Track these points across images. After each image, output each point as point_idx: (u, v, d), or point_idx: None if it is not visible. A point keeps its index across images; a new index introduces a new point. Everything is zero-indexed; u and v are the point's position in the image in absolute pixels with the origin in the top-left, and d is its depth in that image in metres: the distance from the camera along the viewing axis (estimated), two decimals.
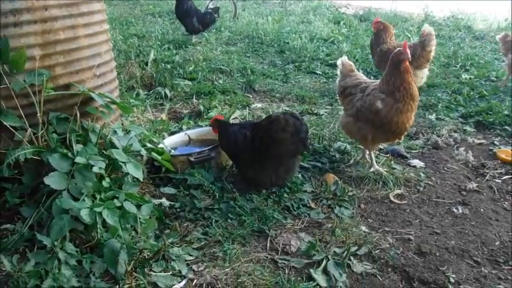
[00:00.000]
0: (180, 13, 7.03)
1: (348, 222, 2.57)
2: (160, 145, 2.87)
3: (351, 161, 3.33)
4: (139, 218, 2.17)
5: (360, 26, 8.76)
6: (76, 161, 2.12)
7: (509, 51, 4.96)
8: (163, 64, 5.37)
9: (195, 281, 2.05)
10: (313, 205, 2.75)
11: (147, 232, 2.24)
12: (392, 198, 2.88)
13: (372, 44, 5.25)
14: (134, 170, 2.27)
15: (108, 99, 2.49)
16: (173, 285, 2.01)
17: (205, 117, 4.05)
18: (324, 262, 2.19)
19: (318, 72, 5.86)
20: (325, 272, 2.14)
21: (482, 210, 2.78)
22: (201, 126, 3.71)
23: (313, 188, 2.91)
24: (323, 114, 4.35)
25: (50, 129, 2.28)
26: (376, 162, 3.19)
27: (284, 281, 2.06)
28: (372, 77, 4.92)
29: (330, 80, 5.56)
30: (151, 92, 4.63)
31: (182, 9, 6.96)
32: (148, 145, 2.73)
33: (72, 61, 2.41)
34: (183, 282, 2.04)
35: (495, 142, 3.77)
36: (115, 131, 2.49)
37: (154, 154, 2.60)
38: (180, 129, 3.68)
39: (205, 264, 2.17)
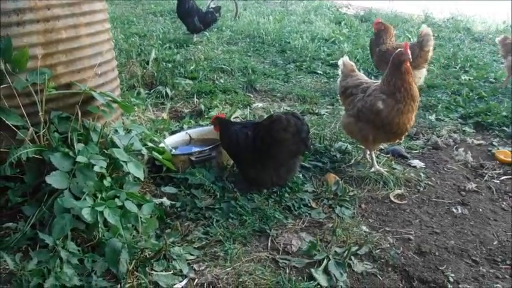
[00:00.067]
0: (182, 12, 7.03)
1: (348, 222, 2.58)
2: (161, 144, 2.87)
3: (352, 161, 3.33)
4: (141, 218, 2.17)
5: (361, 26, 8.75)
6: (77, 160, 2.12)
7: (509, 53, 4.97)
8: (164, 63, 5.36)
9: (196, 280, 2.06)
10: (314, 205, 2.75)
11: (148, 231, 2.24)
12: (392, 198, 2.89)
13: (372, 44, 5.26)
14: (135, 170, 2.27)
15: (110, 98, 2.49)
16: (174, 284, 2.02)
17: (206, 116, 4.05)
18: (325, 262, 2.19)
19: (319, 72, 5.86)
20: (326, 271, 2.15)
21: (481, 210, 2.80)
22: (202, 125, 3.71)
23: (314, 188, 2.92)
24: (324, 114, 4.36)
25: (51, 128, 2.28)
26: (377, 162, 3.20)
27: (285, 281, 2.06)
28: (372, 77, 4.91)
29: (331, 80, 5.56)
30: (152, 91, 4.63)
31: (184, 8, 6.97)
32: (149, 144, 2.73)
33: (73, 60, 2.42)
34: (184, 281, 2.05)
35: (494, 143, 3.78)
36: (116, 130, 2.49)
37: (155, 153, 2.60)
38: (181, 129, 3.68)
39: (206, 263, 2.17)
